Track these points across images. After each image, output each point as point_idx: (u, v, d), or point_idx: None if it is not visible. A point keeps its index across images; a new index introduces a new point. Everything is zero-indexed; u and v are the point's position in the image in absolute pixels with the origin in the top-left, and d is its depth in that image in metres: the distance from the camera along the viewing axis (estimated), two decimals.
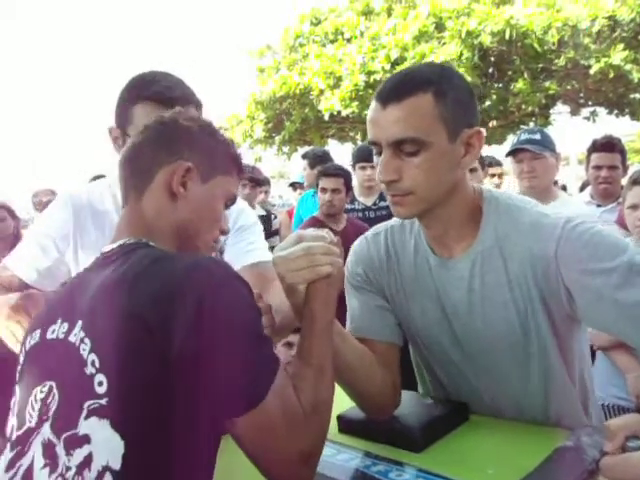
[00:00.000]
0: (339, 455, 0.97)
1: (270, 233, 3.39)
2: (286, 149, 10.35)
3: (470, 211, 1.01)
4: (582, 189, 3.77)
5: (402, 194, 0.94)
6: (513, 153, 2.27)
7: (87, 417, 0.65)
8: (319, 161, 3.78)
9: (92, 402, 0.65)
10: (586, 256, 0.90)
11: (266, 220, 3.55)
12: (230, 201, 0.92)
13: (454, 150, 0.94)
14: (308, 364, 0.78)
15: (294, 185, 4.71)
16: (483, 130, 0.98)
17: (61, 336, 0.73)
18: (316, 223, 2.91)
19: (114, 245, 0.81)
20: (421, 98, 0.91)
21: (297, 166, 4.86)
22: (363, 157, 3.22)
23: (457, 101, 0.93)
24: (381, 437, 1.02)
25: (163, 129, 0.87)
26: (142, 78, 1.21)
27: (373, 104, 0.95)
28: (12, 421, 0.75)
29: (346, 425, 1.06)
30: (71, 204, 1.26)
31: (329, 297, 0.85)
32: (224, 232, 0.92)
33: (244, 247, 1.32)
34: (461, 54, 7.74)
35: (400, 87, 0.93)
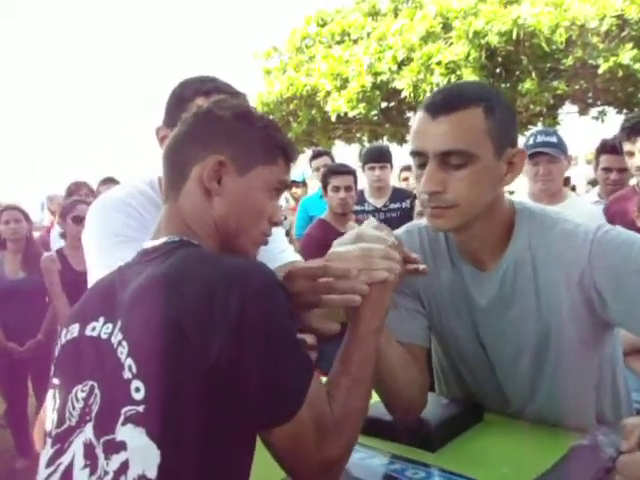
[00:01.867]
0: (356, 454, 0.97)
1: None
2: None
3: (505, 226, 1.02)
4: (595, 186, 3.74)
5: (445, 206, 0.94)
6: (530, 155, 2.29)
7: (124, 423, 0.64)
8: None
9: (129, 408, 0.64)
10: (619, 258, 0.91)
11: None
12: (278, 189, 0.86)
13: (498, 167, 0.95)
14: (346, 372, 0.76)
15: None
16: (527, 151, 0.99)
17: (104, 336, 0.71)
18: (324, 226, 2.90)
19: (156, 242, 0.79)
20: (472, 112, 0.92)
21: (302, 166, 4.78)
22: (372, 158, 3.22)
23: (504, 119, 0.95)
24: (397, 436, 1.03)
25: (197, 122, 0.83)
26: (196, 78, 1.23)
27: (421, 115, 0.96)
28: (52, 416, 0.74)
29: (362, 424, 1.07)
30: (129, 206, 1.22)
31: (380, 303, 0.82)
32: (276, 223, 0.87)
33: (274, 250, 1.32)
34: (468, 54, 7.70)
35: (452, 100, 0.93)
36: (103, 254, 1.16)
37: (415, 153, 0.97)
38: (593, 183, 3.38)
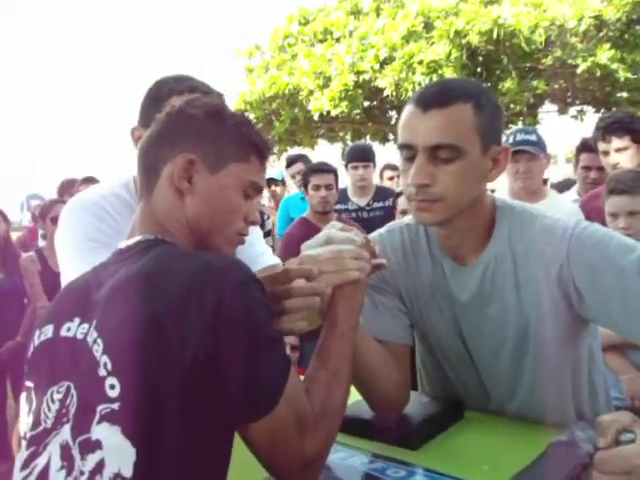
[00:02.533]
0: (336, 453, 0.97)
1: (263, 234, 3.37)
2: (275, 149, 10.32)
3: (486, 221, 1.03)
4: (561, 189, 3.71)
5: (431, 200, 0.95)
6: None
7: (99, 422, 0.64)
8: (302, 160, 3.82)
9: (104, 406, 0.64)
10: (597, 255, 0.93)
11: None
12: (252, 189, 0.84)
13: (484, 163, 0.96)
14: (324, 367, 0.77)
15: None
16: (510, 149, 1.01)
17: (80, 336, 0.70)
18: (305, 224, 2.90)
19: (130, 242, 0.79)
20: (462, 107, 0.93)
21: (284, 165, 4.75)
22: (355, 157, 3.22)
23: (492, 116, 0.96)
24: (378, 435, 1.03)
25: (169, 121, 0.82)
26: (172, 77, 1.21)
27: (411, 108, 0.96)
28: (27, 419, 0.73)
29: (343, 423, 1.06)
30: (103, 210, 1.19)
31: (354, 302, 0.84)
32: (252, 222, 0.86)
33: (253, 252, 1.31)
34: (449, 54, 7.76)
35: (443, 94, 0.94)
36: (75, 258, 1.14)
37: (404, 146, 0.97)
38: (560, 188, 3.35)
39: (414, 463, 0.93)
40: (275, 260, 1.42)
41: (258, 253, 1.35)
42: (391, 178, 4.47)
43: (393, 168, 4.58)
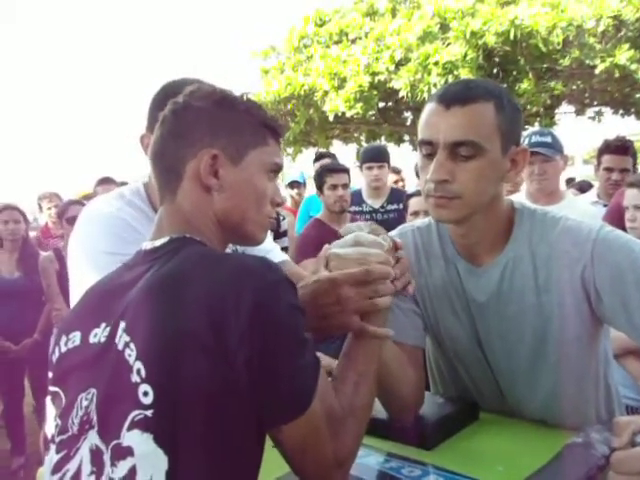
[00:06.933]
0: None
1: (279, 234, 3.38)
2: (290, 150, 10.35)
3: (503, 223, 1.04)
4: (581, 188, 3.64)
5: (449, 196, 0.96)
6: None
7: (130, 428, 0.63)
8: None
9: (137, 413, 0.63)
10: (621, 257, 0.94)
11: (275, 221, 3.50)
12: (274, 171, 0.84)
13: (503, 163, 0.97)
14: (352, 368, 0.78)
15: (292, 184, 4.65)
16: (528, 150, 1.01)
17: (103, 339, 0.71)
18: (319, 225, 2.90)
19: (156, 243, 0.77)
20: (484, 106, 0.94)
21: (300, 166, 4.78)
22: (370, 157, 3.23)
23: (512, 117, 0.97)
24: (393, 435, 1.03)
25: (177, 118, 0.81)
26: (180, 80, 1.18)
27: (433, 105, 0.97)
28: (54, 422, 0.73)
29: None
30: (123, 220, 1.18)
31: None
32: (278, 204, 0.87)
33: (261, 250, 1.29)
34: (466, 54, 7.71)
35: (465, 92, 0.95)
36: (92, 270, 1.09)
37: (424, 142, 0.98)
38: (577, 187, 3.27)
39: (429, 463, 0.94)
40: (283, 257, 1.43)
41: (265, 250, 1.35)
42: (396, 182, 4.47)
43: (397, 172, 4.58)
